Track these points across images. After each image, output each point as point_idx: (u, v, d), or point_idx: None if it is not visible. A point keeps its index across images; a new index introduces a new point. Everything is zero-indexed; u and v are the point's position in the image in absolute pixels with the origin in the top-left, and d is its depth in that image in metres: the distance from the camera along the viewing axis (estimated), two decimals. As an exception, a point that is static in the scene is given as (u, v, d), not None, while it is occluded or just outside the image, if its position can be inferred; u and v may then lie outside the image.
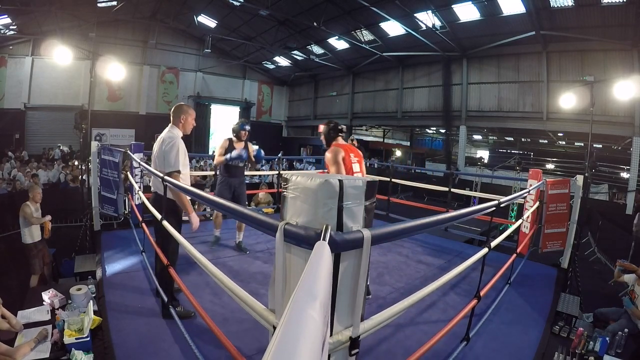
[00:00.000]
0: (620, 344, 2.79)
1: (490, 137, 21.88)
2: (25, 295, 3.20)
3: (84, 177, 5.88)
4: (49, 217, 4.43)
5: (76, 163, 10.21)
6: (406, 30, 12.48)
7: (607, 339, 2.70)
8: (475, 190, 11.56)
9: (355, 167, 3.26)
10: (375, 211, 1.32)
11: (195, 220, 2.78)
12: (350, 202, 1.09)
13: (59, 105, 15.43)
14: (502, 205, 2.39)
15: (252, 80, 21.76)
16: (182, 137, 2.84)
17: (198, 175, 9.98)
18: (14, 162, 11.85)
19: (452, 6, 11.03)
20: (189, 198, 2.71)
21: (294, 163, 16.78)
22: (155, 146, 2.83)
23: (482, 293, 2.45)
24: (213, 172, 6.33)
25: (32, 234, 4.37)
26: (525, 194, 4.00)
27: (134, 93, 17.78)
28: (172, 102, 18.83)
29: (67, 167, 11.15)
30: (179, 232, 2.57)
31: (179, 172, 2.69)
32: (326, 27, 13.03)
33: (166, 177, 2.51)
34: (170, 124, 2.87)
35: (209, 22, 16.54)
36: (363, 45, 14.41)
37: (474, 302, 2.39)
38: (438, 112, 15.03)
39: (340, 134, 3.27)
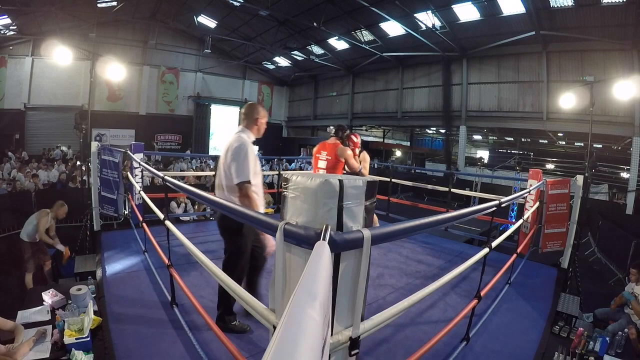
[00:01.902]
0: (620, 344, 2.80)
1: (490, 137, 21.87)
2: (25, 296, 3.20)
3: (84, 177, 5.89)
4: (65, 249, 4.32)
5: (78, 163, 10.21)
6: (406, 31, 12.48)
7: (607, 339, 2.70)
8: (475, 190, 11.56)
9: (320, 163, 3.96)
10: (375, 211, 1.32)
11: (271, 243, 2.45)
12: (350, 202, 1.09)
13: (59, 105, 15.42)
14: (502, 206, 2.39)
15: (252, 80, 21.76)
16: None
17: (198, 176, 9.99)
18: (13, 162, 11.85)
19: (452, 6, 11.02)
20: (262, 208, 2.48)
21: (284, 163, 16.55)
22: (223, 152, 2.49)
23: (482, 293, 2.45)
24: (213, 173, 6.34)
25: (30, 230, 4.36)
26: (526, 194, 4.00)
27: (134, 93, 17.77)
28: (172, 102, 18.86)
29: (67, 167, 11.17)
30: (248, 249, 2.45)
31: (249, 182, 2.33)
32: (326, 27, 13.03)
33: (166, 177, 2.51)
34: (241, 127, 2.49)
35: (209, 22, 16.54)
36: (363, 46, 14.41)
37: (474, 302, 2.39)
38: (438, 112, 15.03)
39: (332, 135, 4.03)
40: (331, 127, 4.15)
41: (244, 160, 2.31)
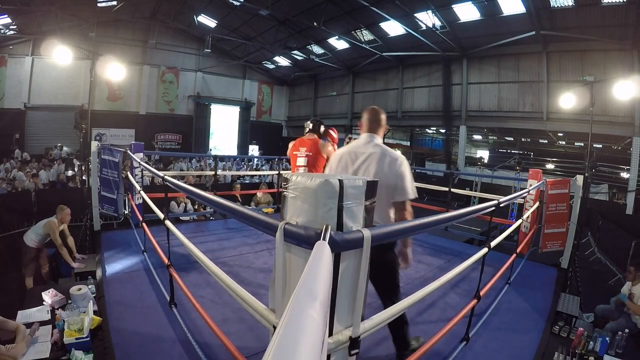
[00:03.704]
0: (621, 344, 2.79)
1: (490, 137, 21.87)
2: (25, 296, 3.20)
3: (83, 177, 5.88)
4: (77, 264, 3.96)
5: (78, 163, 10.21)
6: (406, 30, 12.48)
7: (607, 339, 2.70)
8: (475, 190, 11.56)
9: (299, 160, 3.56)
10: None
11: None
12: (350, 201, 1.09)
13: (59, 105, 15.41)
14: (501, 205, 2.39)
15: (252, 80, 21.75)
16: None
17: (198, 176, 9.98)
18: (13, 162, 11.85)
19: (452, 6, 11.02)
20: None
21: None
22: (356, 164, 2.12)
23: (482, 293, 2.45)
24: (213, 172, 6.34)
25: (36, 239, 4.31)
26: (525, 194, 4.00)
27: (134, 93, 17.77)
28: (172, 102, 18.85)
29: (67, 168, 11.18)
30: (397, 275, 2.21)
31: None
32: (326, 27, 13.02)
33: (166, 177, 2.50)
34: (368, 133, 2.18)
35: (209, 22, 16.54)
36: (363, 45, 14.41)
37: (474, 302, 2.39)
38: (438, 112, 15.03)
39: (309, 131, 3.74)
40: (308, 122, 3.84)
41: (410, 176, 2.10)
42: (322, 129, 3.83)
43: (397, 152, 2.13)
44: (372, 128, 2.18)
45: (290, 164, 3.85)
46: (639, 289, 3.72)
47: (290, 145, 3.75)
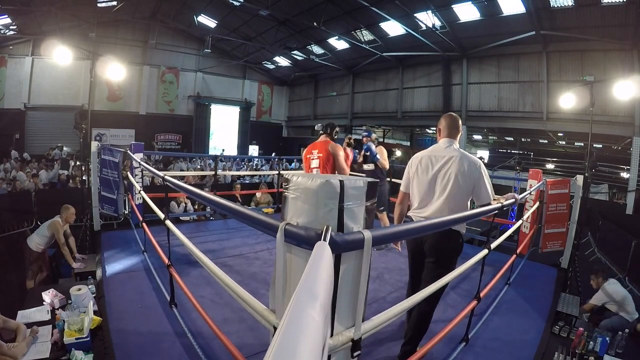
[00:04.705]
0: (621, 344, 2.79)
1: (490, 137, 21.86)
2: (25, 296, 3.20)
3: (84, 177, 5.88)
4: (77, 265, 3.92)
5: (78, 163, 10.21)
6: (406, 30, 12.47)
7: (607, 338, 2.70)
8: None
9: (312, 163, 3.75)
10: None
11: None
12: (351, 202, 1.09)
13: (59, 105, 15.40)
14: (504, 209, 2.39)
15: (252, 80, 21.74)
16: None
17: (197, 176, 9.98)
18: (13, 162, 11.85)
19: (452, 6, 11.01)
20: None
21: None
22: (435, 166, 2.25)
23: (482, 294, 2.45)
24: (213, 172, 6.34)
25: (41, 242, 4.29)
26: (526, 195, 4.01)
27: (134, 93, 17.76)
28: (172, 102, 18.84)
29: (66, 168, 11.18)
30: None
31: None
32: (326, 27, 13.02)
33: (166, 177, 2.50)
34: (447, 139, 2.30)
35: (209, 22, 16.54)
36: (363, 45, 14.40)
37: (474, 303, 2.39)
38: (438, 112, 15.00)
39: (321, 133, 3.86)
40: (319, 125, 3.95)
41: (488, 177, 2.24)
42: (336, 130, 3.91)
43: (475, 157, 2.28)
44: (451, 134, 2.31)
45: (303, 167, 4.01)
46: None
47: (305, 150, 3.92)
